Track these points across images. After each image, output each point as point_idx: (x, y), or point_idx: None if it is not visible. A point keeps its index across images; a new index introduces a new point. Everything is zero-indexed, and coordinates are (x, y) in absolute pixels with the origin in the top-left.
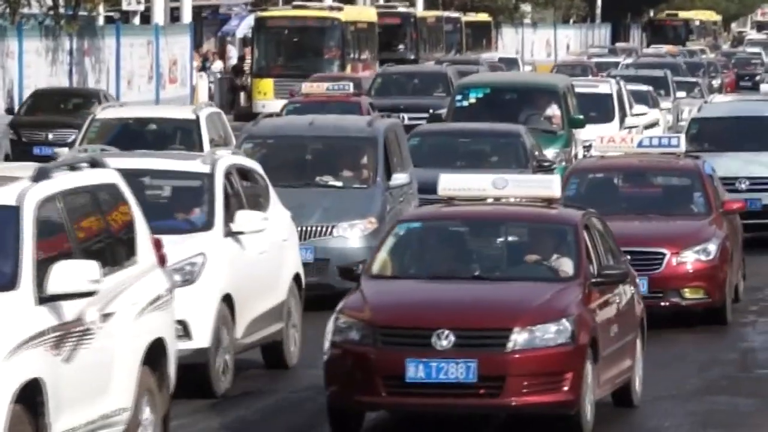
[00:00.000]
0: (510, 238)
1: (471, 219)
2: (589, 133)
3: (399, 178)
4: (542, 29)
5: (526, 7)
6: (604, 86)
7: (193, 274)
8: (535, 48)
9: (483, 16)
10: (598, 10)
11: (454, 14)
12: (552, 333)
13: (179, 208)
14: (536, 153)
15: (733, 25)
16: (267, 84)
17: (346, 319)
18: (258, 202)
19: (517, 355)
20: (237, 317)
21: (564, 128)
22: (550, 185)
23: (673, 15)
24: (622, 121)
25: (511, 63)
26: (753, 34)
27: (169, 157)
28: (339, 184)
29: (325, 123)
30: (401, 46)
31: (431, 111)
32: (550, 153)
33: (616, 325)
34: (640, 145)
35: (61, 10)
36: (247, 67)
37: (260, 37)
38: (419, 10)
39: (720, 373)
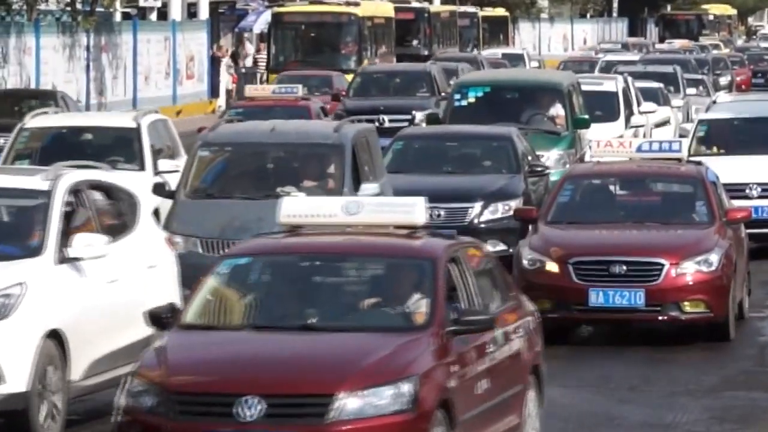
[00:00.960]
0: (356, 277)
1: (310, 253)
2: (593, 132)
3: (368, 188)
4: (559, 24)
5: (543, 2)
6: (609, 83)
7: (8, 307)
8: (552, 43)
9: (500, 11)
10: (615, 5)
11: (471, 9)
12: (386, 398)
13: (12, 230)
14: (529, 157)
15: (750, 19)
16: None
17: (138, 381)
18: (118, 224)
19: (341, 428)
20: (71, 356)
21: (568, 129)
22: (413, 210)
23: (686, 9)
24: (628, 119)
25: (515, 59)
26: (766, 28)
27: (6, 172)
28: (301, 194)
29: (287, 129)
30: (415, 42)
31: (413, 113)
32: (553, 155)
33: (489, 378)
34: (638, 149)
35: (78, 6)
36: (262, 63)
37: (277, 33)
38: (436, 4)
39: (737, 368)
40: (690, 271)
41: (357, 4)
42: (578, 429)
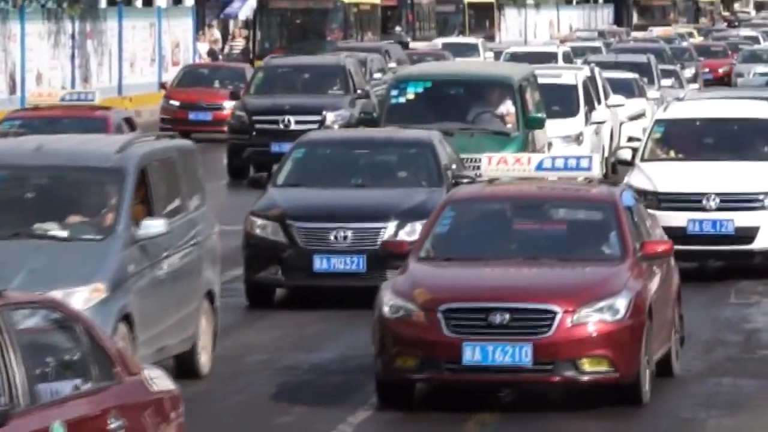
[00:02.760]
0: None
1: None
2: (552, 130)
3: (151, 225)
4: (545, 10)
5: None
6: (568, 75)
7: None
8: (538, 29)
9: None
10: None
11: None
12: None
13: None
14: (454, 166)
15: (737, 5)
16: None
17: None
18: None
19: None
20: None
21: (519, 129)
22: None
23: None
24: (588, 115)
25: (468, 49)
26: (749, 15)
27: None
28: (64, 234)
29: (58, 148)
30: (398, 28)
31: (324, 113)
32: None
33: None
34: (539, 167)
35: None
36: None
37: (262, 20)
38: None
39: (724, 354)
40: (590, 320)
41: None
42: (561, 410)
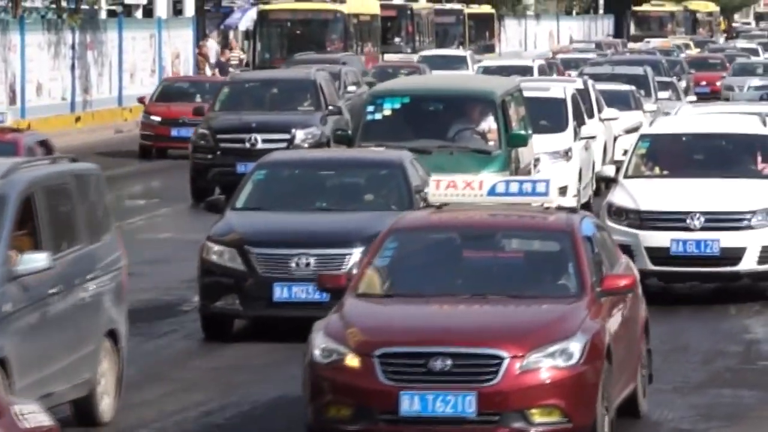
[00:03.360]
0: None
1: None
2: (539, 146)
3: (32, 260)
4: (545, 21)
5: None
6: (556, 89)
7: None
8: (538, 40)
9: (485, 8)
10: (601, 1)
11: (456, 6)
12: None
13: None
14: (426, 189)
15: (736, 16)
16: None
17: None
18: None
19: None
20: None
21: (501, 147)
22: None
23: (659, 5)
24: (578, 130)
25: (456, 62)
26: (747, 27)
27: None
28: None
29: None
30: (397, 39)
31: (293, 131)
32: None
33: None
34: (492, 192)
35: (64, 4)
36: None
37: (263, 30)
38: (421, 2)
39: (724, 365)
40: (541, 366)
41: (343, 1)
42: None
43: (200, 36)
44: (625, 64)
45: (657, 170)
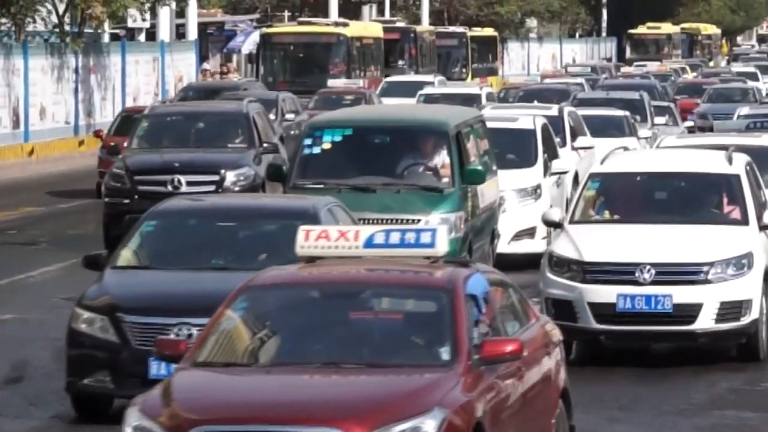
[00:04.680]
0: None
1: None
2: (506, 182)
3: None
4: (548, 43)
5: (532, 22)
6: (525, 120)
7: None
8: (541, 62)
9: (488, 31)
10: (604, 24)
11: (459, 29)
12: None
13: None
14: None
15: (739, 39)
16: None
17: None
18: None
19: None
20: None
21: (455, 184)
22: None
23: (655, 27)
24: (548, 164)
25: (419, 89)
26: (745, 49)
27: None
28: None
29: None
30: (400, 62)
31: (223, 172)
32: (434, 219)
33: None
34: (369, 244)
35: (67, 28)
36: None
37: (266, 54)
38: (425, 25)
39: (727, 386)
40: None
41: (346, 25)
42: None
43: (202, 59)
44: (620, 89)
45: (607, 214)
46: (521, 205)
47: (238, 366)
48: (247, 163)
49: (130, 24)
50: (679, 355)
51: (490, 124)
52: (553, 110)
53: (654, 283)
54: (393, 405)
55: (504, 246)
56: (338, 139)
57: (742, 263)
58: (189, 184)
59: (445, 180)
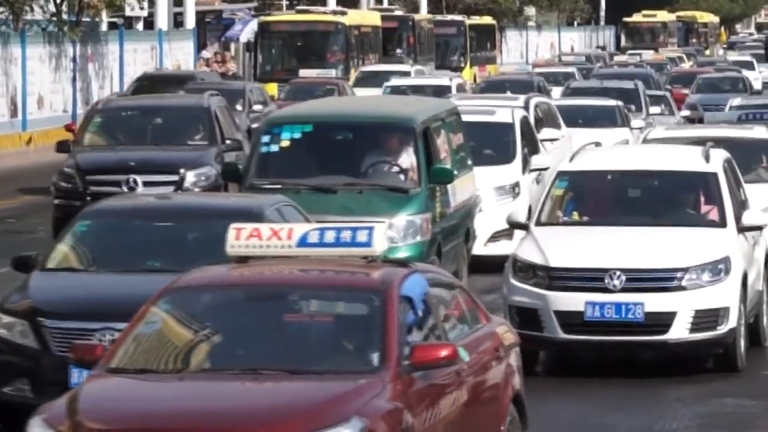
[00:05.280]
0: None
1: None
2: (482, 179)
3: None
4: (546, 32)
5: (530, 10)
6: (503, 113)
7: None
8: (539, 51)
9: (487, 20)
10: (603, 13)
11: (458, 17)
12: None
13: None
14: None
15: (738, 27)
16: (271, 89)
17: None
18: None
19: None
20: None
21: (421, 184)
22: None
23: (650, 15)
24: (527, 160)
25: (398, 77)
26: (742, 36)
27: None
28: None
29: None
30: (398, 51)
31: (182, 171)
32: (399, 222)
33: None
34: (303, 243)
35: (64, 17)
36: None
37: (264, 42)
38: (423, 13)
39: (726, 374)
40: None
41: (344, 13)
42: None
43: (200, 48)
44: (615, 78)
45: (576, 216)
46: (499, 205)
47: (152, 372)
48: (209, 162)
49: (127, 12)
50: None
51: (465, 118)
52: (519, 101)
53: (624, 290)
54: (308, 414)
55: (480, 248)
56: (298, 136)
57: (718, 268)
58: (146, 184)
59: (411, 179)
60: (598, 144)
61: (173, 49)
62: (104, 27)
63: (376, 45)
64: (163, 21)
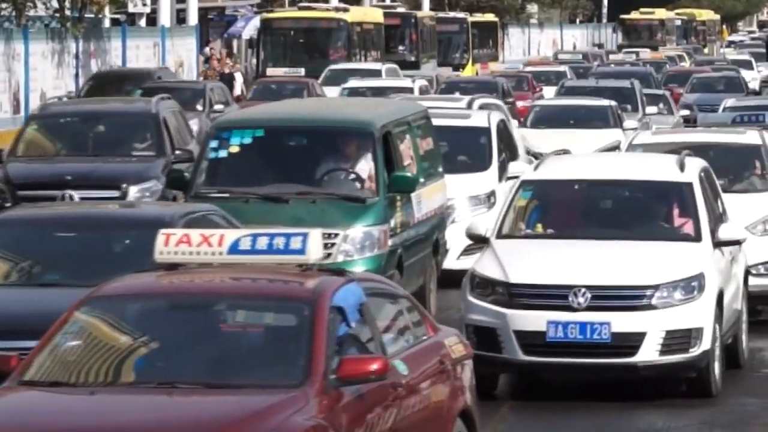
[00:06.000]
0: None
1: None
2: (455, 188)
3: None
4: (549, 29)
5: (533, 7)
6: (479, 117)
7: None
8: (541, 48)
9: (489, 17)
10: (605, 10)
11: (460, 15)
12: None
13: None
14: None
15: (740, 24)
16: None
17: None
18: None
19: None
20: None
21: (380, 193)
22: None
23: (648, 13)
24: (504, 167)
25: (368, 76)
26: (741, 35)
27: None
28: None
29: None
30: (401, 48)
31: (125, 186)
32: (355, 234)
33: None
34: (234, 249)
35: (67, 13)
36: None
37: (266, 39)
38: (425, 10)
39: (727, 372)
40: None
41: (346, 10)
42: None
43: (203, 44)
44: (612, 77)
45: (540, 228)
46: (473, 215)
47: (65, 386)
48: (155, 175)
49: (130, 9)
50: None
51: (438, 122)
52: (462, 102)
53: (590, 308)
54: (221, 431)
55: (453, 261)
56: (248, 141)
57: (691, 286)
58: (84, 200)
59: (369, 188)
60: (566, 151)
61: (176, 46)
62: (107, 23)
63: (378, 42)
64: (165, 17)
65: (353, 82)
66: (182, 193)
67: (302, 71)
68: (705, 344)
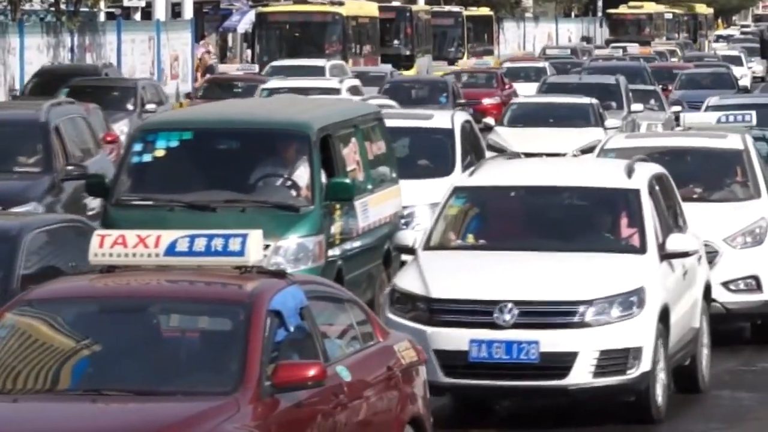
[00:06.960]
0: None
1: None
2: (415, 194)
3: None
4: (543, 23)
5: (528, 1)
6: (441, 118)
7: None
8: (537, 42)
9: (484, 11)
10: (599, 3)
11: (455, 8)
12: None
13: None
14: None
15: (735, 18)
16: None
17: None
18: None
19: None
20: None
21: (315, 201)
22: None
23: (637, 6)
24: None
25: (306, 75)
26: (732, 30)
27: None
28: None
29: None
30: (396, 42)
31: (36, 204)
32: (288, 245)
33: None
34: (171, 251)
35: (62, 7)
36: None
37: (261, 33)
38: (421, 4)
39: (722, 367)
40: None
41: (341, 4)
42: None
43: (198, 38)
44: (598, 72)
45: (471, 239)
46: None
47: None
48: (35, 196)
49: (125, 3)
50: None
51: (396, 123)
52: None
53: (517, 326)
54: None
55: None
56: (174, 144)
57: (630, 301)
58: None
59: (304, 196)
60: (515, 155)
61: (171, 40)
62: (102, 17)
63: (373, 36)
64: (161, 11)
65: (273, 82)
66: (102, 202)
67: (256, 68)
68: (644, 365)
